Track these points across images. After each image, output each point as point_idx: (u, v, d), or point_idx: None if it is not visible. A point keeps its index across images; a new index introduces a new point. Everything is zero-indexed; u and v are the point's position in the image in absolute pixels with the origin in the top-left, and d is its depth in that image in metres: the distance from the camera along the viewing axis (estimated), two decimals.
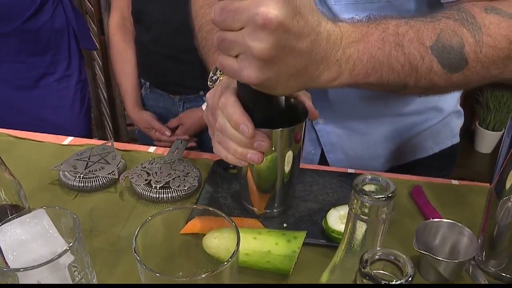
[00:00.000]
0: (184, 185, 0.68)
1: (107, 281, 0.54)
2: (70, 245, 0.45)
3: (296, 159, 0.60)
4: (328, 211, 0.60)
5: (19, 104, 1.34)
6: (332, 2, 0.65)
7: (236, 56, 0.43)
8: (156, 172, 0.70)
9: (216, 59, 0.64)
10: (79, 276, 0.48)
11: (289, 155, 0.59)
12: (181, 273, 0.49)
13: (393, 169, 0.82)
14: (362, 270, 0.24)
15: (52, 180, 0.72)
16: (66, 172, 0.71)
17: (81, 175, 0.70)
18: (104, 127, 2.39)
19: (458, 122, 0.85)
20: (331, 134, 0.79)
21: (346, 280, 0.36)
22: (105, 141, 0.80)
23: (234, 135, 0.53)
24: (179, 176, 0.70)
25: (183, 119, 1.20)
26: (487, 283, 0.53)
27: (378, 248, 0.25)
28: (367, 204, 0.31)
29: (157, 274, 0.35)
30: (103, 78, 2.34)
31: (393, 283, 0.23)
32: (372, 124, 0.78)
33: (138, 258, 0.36)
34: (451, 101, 0.81)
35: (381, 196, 0.30)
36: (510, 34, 0.49)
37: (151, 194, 0.67)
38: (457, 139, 0.85)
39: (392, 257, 0.25)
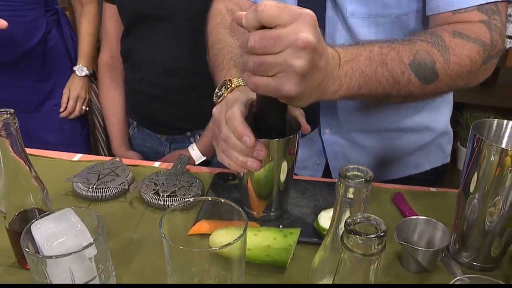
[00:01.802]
0: (189, 194, 0.75)
1: (123, 276, 0.60)
2: (95, 239, 0.52)
3: (291, 170, 0.68)
4: (319, 213, 0.67)
5: (21, 127, 1.40)
6: (347, 14, 0.74)
7: (271, 76, 0.51)
8: (162, 183, 0.77)
9: (222, 77, 0.73)
10: (101, 268, 0.54)
11: (284, 166, 0.67)
12: (193, 268, 0.55)
13: (389, 182, 0.88)
14: (348, 228, 0.31)
15: (66, 191, 0.78)
16: (80, 184, 0.77)
17: (94, 186, 0.76)
18: (99, 153, 2.44)
19: (448, 144, 0.94)
20: (335, 144, 0.87)
21: (336, 255, 0.43)
22: (113, 157, 0.87)
23: (236, 145, 0.61)
24: (184, 186, 0.77)
25: (168, 160, 1.16)
26: (461, 272, 0.60)
27: (358, 214, 0.33)
28: (350, 186, 0.38)
29: (181, 247, 0.42)
30: (99, 105, 2.41)
31: (371, 235, 0.31)
32: (373, 138, 0.86)
33: (164, 235, 0.43)
34: (442, 121, 0.90)
35: (361, 180, 0.38)
36: (471, 54, 0.62)
37: (159, 202, 0.74)
38: (447, 160, 0.95)
39: (370, 219, 0.32)
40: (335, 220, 0.42)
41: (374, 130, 0.86)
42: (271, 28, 0.49)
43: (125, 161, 0.87)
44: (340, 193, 0.40)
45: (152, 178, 0.79)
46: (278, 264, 0.60)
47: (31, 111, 1.40)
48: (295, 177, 0.76)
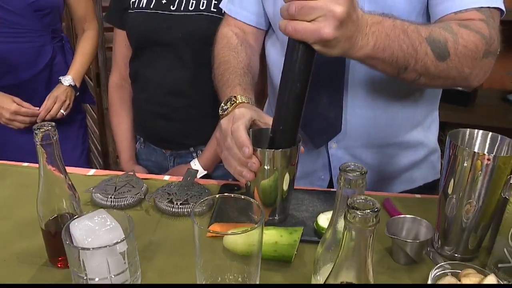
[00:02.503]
0: None
1: (147, 270, 0.67)
2: (126, 235, 0.59)
3: (292, 180, 0.77)
4: (318, 215, 0.76)
5: (26, 146, 1.46)
6: None
7: (310, 22, 0.58)
8: (175, 193, 0.85)
9: (228, 93, 0.81)
10: (130, 262, 0.61)
11: (287, 176, 0.76)
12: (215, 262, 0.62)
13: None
14: (349, 205, 0.40)
15: (85, 202, 0.85)
16: (98, 194, 0.85)
17: (112, 196, 0.84)
18: None
19: (438, 161, 1.03)
20: (342, 159, 0.93)
21: (337, 243, 0.51)
22: (126, 172, 0.95)
23: (236, 154, 0.70)
24: (195, 195, 0.85)
25: (173, 174, 1.24)
26: (443, 262, 0.68)
27: (358, 195, 0.41)
28: (349, 178, 0.47)
29: (210, 230, 0.50)
30: (95, 128, 2.48)
31: (367, 210, 0.39)
32: (375, 154, 0.94)
33: (196, 222, 0.51)
34: (432, 138, 1.00)
35: (358, 173, 0.47)
36: (476, 41, 0.71)
37: (173, 210, 0.81)
38: (438, 176, 1.03)
39: (366, 200, 0.41)
40: (336, 210, 0.51)
41: (377, 146, 0.93)
42: None
43: (138, 174, 0.95)
44: (341, 185, 0.49)
45: (165, 189, 0.86)
46: (284, 258, 0.68)
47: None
48: (294, 187, 0.85)
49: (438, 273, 0.61)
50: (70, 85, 1.44)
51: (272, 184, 0.75)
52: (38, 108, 1.40)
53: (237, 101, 0.79)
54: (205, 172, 1.19)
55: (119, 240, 0.58)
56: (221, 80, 0.87)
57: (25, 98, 1.41)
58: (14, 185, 0.92)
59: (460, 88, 2.00)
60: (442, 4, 0.77)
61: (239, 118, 0.72)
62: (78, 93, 1.49)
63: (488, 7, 0.75)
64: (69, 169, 0.98)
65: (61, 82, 1.44)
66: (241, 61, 0.90)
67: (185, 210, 0.81)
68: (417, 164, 0.99)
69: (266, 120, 0.77)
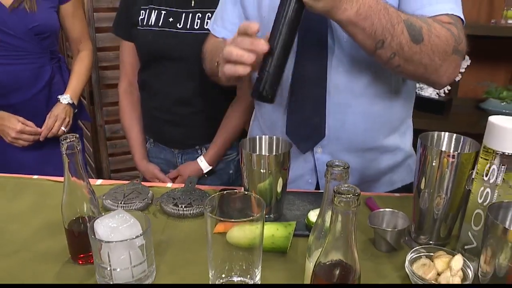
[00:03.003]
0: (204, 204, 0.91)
1: (160, 264, 0.75)
2: (144, 231, 0.68)
3: (285, 183, 0.87)
4: (308, 212, 0.85)
5: (28, 163, 1.53)
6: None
7: None
8: (179, 197, 0.94)
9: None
10: (147, 255, 0.69)
11: (280, 180, 0.85)
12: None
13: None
14: (335, 191, 0.49)
15: None
16: (109, 200, 0.93)
17: (122, 202, 0.92)
18: None
19: (414, 164, 1.09)
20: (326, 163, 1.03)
21: (325, 231, 0.61)
22: (131, 180, 1.03)
23: (244, 40, 0.74)
24: (197, 199, 0.93)
25: (181, 170, 1.38)
26: (418, 247, 0.78)
27: (341, 185, 0.51)
28: (335, 173, 0.57)
29: (221, 219, 0.59)
30: (89, 145, 2.55)
31: (350, 195, 0.49)
32: (357, 158, 1.02)
33: (210, 214, 0.60)
34: (408, 144, 1.10)
35: (342, 167, 0.57)
36: (447, 35, 0.80)
37: (178, 212, 0.90)
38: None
39: (349, 188, 0.51)
40: (324, 201, 0.61)
41: (359, 150, 1.02)
42: None
43: (143, 183, 1.03)
44: (328, 179, 0.59)
45: (169, 194, 0.95)
46: (280, 250, 0.77)
47: (35, 148, 1.54)
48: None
49: (414, 256, 0.71)
50: (68, 103, 1.53)
51: (267, 187, 0.85)
52: (41, 127, 1.47)
53: None
54: (211, 167, 1.35)
55: (139, 234, 0.67)
56: (212, 50, 0.99)
57: (27, 116, 1.48)
58: (29, 195, 1.00)
59: (432, 96, 2.13)
60: (415, 14, 0.86)
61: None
62: (76, 110, 1.57)
63: (454, 15, 0.86)
64: None
65: (60, 101, 1.52)
66: None
67: (189, 212, 0.90)
68: (396, 167, 1.09)
69: None
